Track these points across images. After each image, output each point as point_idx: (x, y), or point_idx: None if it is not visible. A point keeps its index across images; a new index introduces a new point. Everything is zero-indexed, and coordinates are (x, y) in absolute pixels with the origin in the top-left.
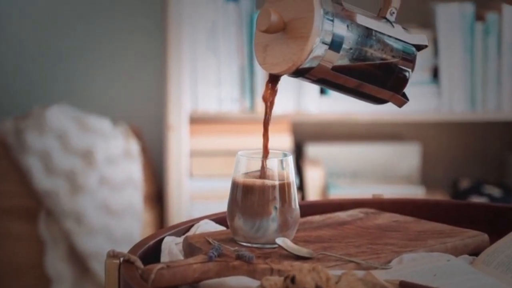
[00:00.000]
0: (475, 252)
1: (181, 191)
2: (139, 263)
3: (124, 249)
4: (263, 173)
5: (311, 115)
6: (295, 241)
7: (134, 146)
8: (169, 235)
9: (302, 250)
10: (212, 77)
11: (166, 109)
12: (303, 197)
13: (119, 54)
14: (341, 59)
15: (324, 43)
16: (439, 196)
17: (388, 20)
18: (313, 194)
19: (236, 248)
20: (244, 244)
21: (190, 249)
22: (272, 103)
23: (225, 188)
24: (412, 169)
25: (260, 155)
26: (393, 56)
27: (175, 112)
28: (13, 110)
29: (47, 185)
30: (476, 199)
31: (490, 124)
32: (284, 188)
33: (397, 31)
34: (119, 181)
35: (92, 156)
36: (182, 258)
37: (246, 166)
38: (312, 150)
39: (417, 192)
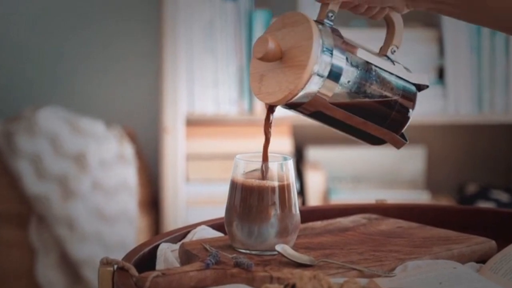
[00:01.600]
0: (482, 259)
1: (177, 196)
2: (133, 271)
3: (118, 256)
4: (262, 177)
5: None
6: (296, 248)
7: (128, 150)
8: (165, 241)
9: (303, 257)
10: (209, 77)
11: (161, 111)
12: (303, 202)
13: (112, 54)
14: (339, 92)
15: (321, 73)
16: (445, 201)
17: (389, 58)
18: (314, 199)
19: (234, 255)
20: (243, 251)
21: (186, 256)
22: (270, 134)
23: (223, 193)
24: (416, 173)
25: (259, 159)
26: (393, 93)
27: (171, 114)
28: (3, 112)
29: (38, 190)
30: (483, 204)
31: (498, 126)
32: (284, 192)
33: (398, 69)
34: (113, 185)
35: (84, 160)
36: (178, 265)
37: (245, 170)
38: (313, 153)
39: (422, 197)
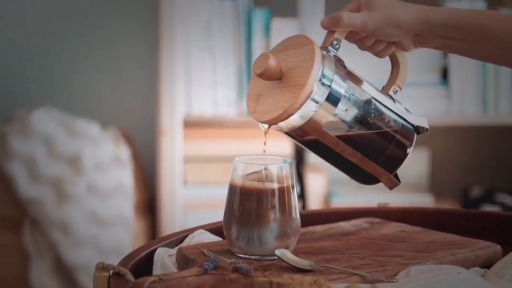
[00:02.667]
0: (487, 264)
1: (175, 199)
2: (129, 276)
3: (114, 261)
4: (261, 180)
5: None
6: (296, 252)
7: (124, 152)
8: (162, 246)
9: (303, 262)
10: (207, 78)
11: (158, 112)
12: (304, 206)
13: (108, 54)
14: (335, 120)
15: (319, 96)
16: (449, 205)
17: (391, 97)
18: (314, 203)
19: (233, 260)
20: (242, 255)
21: (184, 261)
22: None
23: (221, 196)
24: (420, 175)
25: (258, 161)
26: (390, 129)
27: (168, 115)
28: None
29: (32, 193)
30: (488, 208)
31: (503, 128)
32: (284, 196)
33: (399, 108)
34: (109, 189)
35: (79, 162)
36: (175, 270)
37: (244, 172)
38: (314, 156)
39: (425, 201)
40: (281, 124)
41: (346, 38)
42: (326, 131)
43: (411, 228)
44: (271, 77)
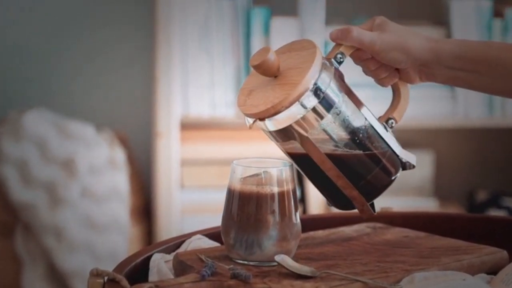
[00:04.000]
0: (493, 271)
1: (171, 203)
2: (125, 283)
3: (109, 267)
4: (261, 184)
5: None
6: (296, 258)
7: (119, 155)
8: (158, 251)
9: (304, 269)
10: (205, 79)
11: (154, 114)
12: (304, 210)
13: (103, 53)
14: (321, 128)
15: (310, 100)
16: (454, 209)
17: (385, 126)
18: (315, 207)
19: (231, 266)
20: (240, 261)
21: (181, 267)
22: None
23: (219, 200)
24: (424, 179)
25: (257, 164)
26: (376, 155)
27: (164, 117)
28: None
29: (24, 197)
30: (494, 212)
31: (509, 130)
32: (283, 200)
33: (390, 138)
34: (103, 192)
35: (73, 166)
36: (172, 277)
37: (242, 175)
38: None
39: (429, 205)
40: (267, 121)
41: (352, 57)
42: (309, 139)
43: (414, 233)
44: (266, 71)
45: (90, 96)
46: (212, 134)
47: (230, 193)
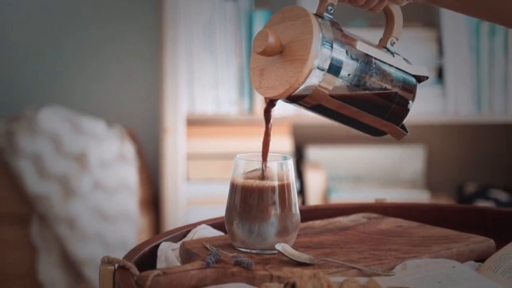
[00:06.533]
0: (481, 258)
1: (178, 195)
2: (134, 270)
3: (119, 255)
4: (262, 176)
5: (312, 117)
6: (296, 246)
7: (129, 149)
8: (165, 240)
9: (303, 256)
10: (209, 77)
11: (162, 110)
12: (303, 202)
13: (113, 54)
14: (339, 85)
15: (322, 67)
16: (444, 201)
17: (388, 50)
18: (314, 199)
19: (235, 254)
20: (243, 249)
21: (187, 255)
22: (271, 128)
23: (223, 192)
24: (416, 172)
25: (259, 158)
26: (393, 86)
27: (171, 114)
28: (4, 112)
29: (39, 190)
30: (482, 204)
31: (497, 126)
32: (284, 192)
33: (398, 60)
34: (114, 185)
35: (85, 160)
36: (178, 264)
37: (245, 169)
38: (313, 153)
39: (421, 197)
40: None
41: (340, 0)
42: (331, 97)
43: (407, 223)
44: (272, 54)
45: (102, 94)
46: (216, 130)
47: (233, 186)
